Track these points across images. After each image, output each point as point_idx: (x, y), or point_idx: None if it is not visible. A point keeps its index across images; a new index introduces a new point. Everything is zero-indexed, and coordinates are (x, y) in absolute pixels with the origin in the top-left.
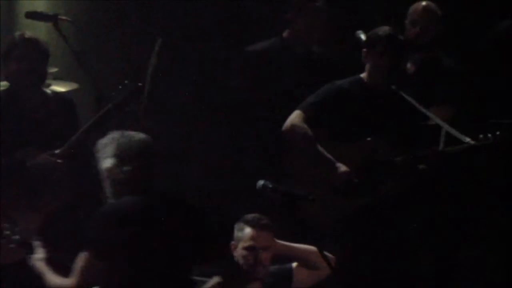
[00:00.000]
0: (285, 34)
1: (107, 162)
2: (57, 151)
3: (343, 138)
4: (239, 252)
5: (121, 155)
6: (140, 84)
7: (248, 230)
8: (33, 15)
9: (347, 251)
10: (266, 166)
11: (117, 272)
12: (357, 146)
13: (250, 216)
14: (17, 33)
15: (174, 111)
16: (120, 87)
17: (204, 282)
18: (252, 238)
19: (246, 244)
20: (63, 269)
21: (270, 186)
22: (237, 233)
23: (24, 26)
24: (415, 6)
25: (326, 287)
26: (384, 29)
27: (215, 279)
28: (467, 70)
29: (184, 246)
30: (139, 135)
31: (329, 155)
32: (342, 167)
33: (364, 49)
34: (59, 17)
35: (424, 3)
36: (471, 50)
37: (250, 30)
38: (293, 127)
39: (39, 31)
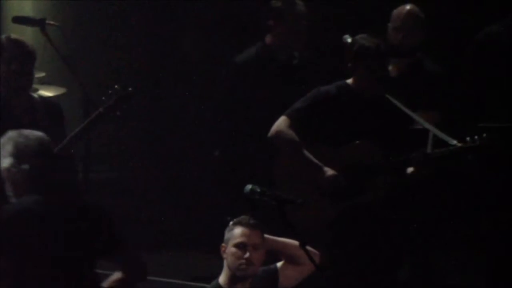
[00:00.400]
0: (267, 40)
1: (5, 162)
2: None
3: (331, 143)
4: (229, 251)
5: (18, 155)
6: (130, 89)
7: (238, 229)
8: (20, 20)
9: (334, 254)
10: (257, 171)
11: (19, 271)
12: (345, 150)
13: (239, 217)
14: (3, 36)
15: (166, 115)
16: (110, 91)
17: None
18: (243, 235)
19: (236, 241)
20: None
21: (258, 190)
22: (226, 235)
23: (10, 30)
24: (399, 11)
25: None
26: (370, 41)
27: (117, 275)
28: (451, 74)
29: (83, 243)
30: (37, 134)
31: (315, 160)
32: (329, 171)
33: (350, 63)
34: (47, 21)
35: (407, 7)
36: (458, 53)
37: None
38: (278, 133)
39: (26, 35)
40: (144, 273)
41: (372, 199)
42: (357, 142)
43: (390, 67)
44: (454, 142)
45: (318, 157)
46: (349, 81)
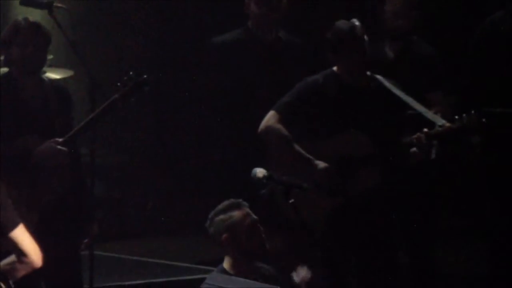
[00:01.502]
0: (249, 24)
1: None
2: (60, 139)
3: (322, 135)
4: (240, 237)
5: None
6: (145, 75)
7: (241, 211)
8: (28, 2)
9: (330, 248)
10: (249, 160)
11: None
12: (336, 141)
13: (225, 204)
14: (20, 18)
15: (173, 101)
16: (125, 78)
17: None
18: (249, 213)
19: (248, 221)
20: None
21: (266, 174)
22: (225, 223)
23: (17, 13)
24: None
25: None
26: (345, 25)
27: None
28: (448, 57)
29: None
30: None
31: (306, 154)
32: (321, 164)
33: (329, 50)
34: (54, 4)
35: None
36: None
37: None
38: (268, 128)
39: (32, 17)
40: (38, 259)
41: (364, 189)
42: (348, 132)
43: (387, 53)
44: (443, 122)
45: (310, 150)
46: (335, 68)
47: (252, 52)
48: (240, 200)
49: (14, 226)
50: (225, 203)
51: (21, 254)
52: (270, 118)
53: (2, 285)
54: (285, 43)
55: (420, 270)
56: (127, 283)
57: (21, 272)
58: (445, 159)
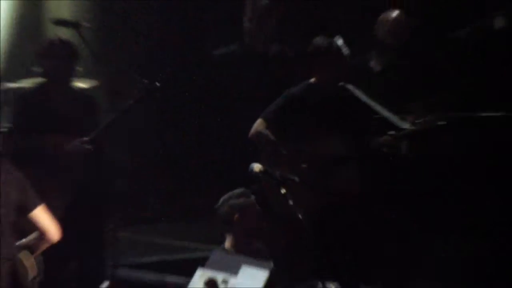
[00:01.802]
0: (245, 38)
1: None
2: (86, 138)
3: (303, 138)
4: (248, 218)
5: None
6: (157, 83)
7: (247, 199)
8: (59, 22)
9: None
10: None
11: None
12: (316, 144)
13: (237, 191)
14: (54, 36)
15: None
16: (140, 85)
17: None
18: (255, 202)
19: (254, 207)
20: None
21: (261, 169)
22: (238, 206)
23: (49, 31)
24: (385, 18)
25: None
26: (322, 41)
27: (35, 233)
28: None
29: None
30: None
31: (289, 156)
32: (303, 166)
33: (311, 62)
34: (81, 24)
35: (393, 15)
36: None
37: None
38: (257, 133)
39: (62, 34)
40: (56, 235)
41: (346, 188)
42: (325, 135)
43: (374, 64)
44: (407, 125)
45: (294, 151)
46: (312, 80)
47: (246, 62)
48: (249, 190)
49: (34, 206)
50: (237, 191)
51: (41, 231)
52: (258, 124)
53: (30, 257)
54: (274, 54)
55: (406, 261)
56: (144, 260)
57: (43, 246)
58: (413, 157)
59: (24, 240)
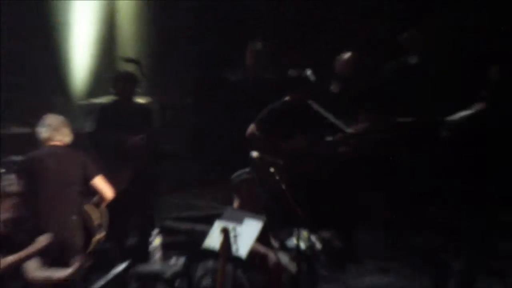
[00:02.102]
0: (246, 69)
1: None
2: (143, 136)
3: (281, 138)
4: (254, 188)
5: None
6: (188, 101)
7: (252, 175)
8: (126, 60)
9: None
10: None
11: None
12: (290, 141)
13: (245, 170)
14: (123, 69)
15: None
16: (176, 101)
17: None
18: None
19: (257, 182)
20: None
21: (258, 155)
22: (247, 179)
23: (120, 64)
24: (340, 58)
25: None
26: (302, 74)
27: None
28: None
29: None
30: None
31: (271, 147)
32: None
33: (287, 86)
34: (140, 61)
35: (345, 56)
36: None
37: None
38: (250, 134)
39: (128, 67)
40: (111, 196)
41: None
42: (295, 136)
43: (332, 87)
44: (349, 129)
45: (275, 146)
46: (287, 98)
47: (248, 85)
48: (251, 170)
49: (94, 176)
50: (244, 170)
51: (100, 193)
52: (251, 127)
53: (96, 210)
54: (265, 80)
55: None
56: (182, 215)
57: (103, 203)
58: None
59: (94, 199)
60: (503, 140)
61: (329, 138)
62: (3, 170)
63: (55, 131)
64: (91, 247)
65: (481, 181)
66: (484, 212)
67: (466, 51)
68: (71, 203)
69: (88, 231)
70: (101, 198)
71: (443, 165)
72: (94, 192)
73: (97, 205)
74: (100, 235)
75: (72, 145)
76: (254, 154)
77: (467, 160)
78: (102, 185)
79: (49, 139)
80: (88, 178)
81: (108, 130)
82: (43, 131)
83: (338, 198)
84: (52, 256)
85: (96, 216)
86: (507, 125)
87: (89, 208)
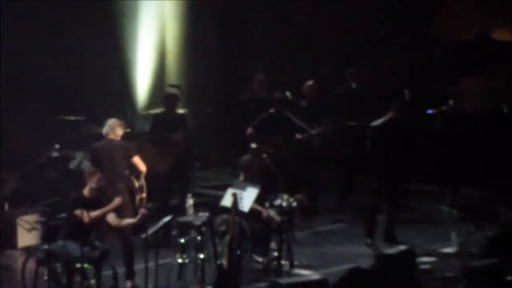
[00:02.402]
0: (253, 90)
1: None
2: (181, 134)
3: (268, 136)
4: (255, 166)
5: None
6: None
7: (254, 157)
8: (171, 85)
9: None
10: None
11: None
12: (273, 139)
13: (248, 155)
14: (169, 91)
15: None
16: (201, 114)
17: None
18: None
19: (257, 162)
20: None
21: (256, 146)
22: (250, 159)
23: (167, 88)
24: (305, 84)
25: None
26: (280, 94)
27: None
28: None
29: None
30: None
31: (262, 142)
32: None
33: (273, 102)
34: (180, 85)
35: (309, 83)
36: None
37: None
38: (249, 134)
39: (172, 90)
40: (145, 171)
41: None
42: (278, 135)
43: (303, 103)
44: (313, 130)
45: (264, 142)
46: (272, 110)
47: (255, 104)
48: (252, 155)
49: (133, 156)
50: (247, 156)
51: (138, 169)
52: (249, 130)
53: (136, 181)
54: (263, 99)
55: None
56: (205, 184)
57: (142, 175)
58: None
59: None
60: (404, 135)
61: (299, 136)
62: (56, 154)
63: (111, 129)
64: (136, 203)
65: (394, 162)
66: (397, 182)
67: (386, 80)
68: (120, 175)
69: (133, 193)
70: (138, 171)
71: (370, 153)
72: (135, 168)
73: (137, 176)
74: (141, 195)
75: (134, 140)
76: (253, 145)
77: (384, 150)
78: (138, 162)
79: (107, 134)
80: (129, 158)
81: (159, 131)
82: (104, 129)
83: (305, 173)
84: (122, 210)
85: (140, 185)
86: (407, 126)
87: (132, 178)
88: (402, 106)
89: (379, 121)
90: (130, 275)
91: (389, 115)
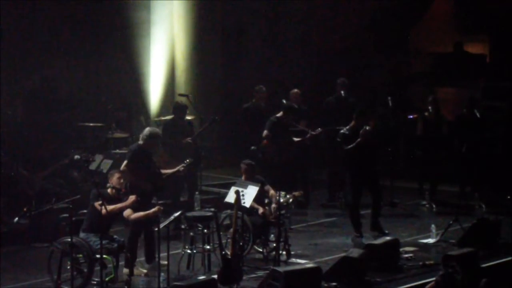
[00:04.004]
0: (254, 100)
1: None
2: (190, 139)
3: (277, 138)
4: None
5: None
6: (217, 117)
7: (248, 161)
8: (180, 94)
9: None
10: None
11: None
12: (281, 137)
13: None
14: (179, 100)
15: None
16: (211, 119)
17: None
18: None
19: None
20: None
21: (256, 148)
22: (245, 164)
23: (177, 97)
24: (292, 92)
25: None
26: (288, 103)
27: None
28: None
29: None
30: None
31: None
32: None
33: (282, 112)
34: (189, 95)
35: (295, 90)
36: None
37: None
38: (266, 134)
39: (181, 99)
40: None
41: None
42: (283, 136)
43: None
44: (310, 132)
45: (276, 140)
46: (279, 115)
47: (255, 112)
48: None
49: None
50: (247, 160)
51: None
52: (265, 132)
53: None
54: (263, 107)
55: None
56: (211, 183)
57: (167, 170)
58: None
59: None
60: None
61: (297, 139)
62: (77, 157)
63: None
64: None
65: (370, 162)
66: (375, 180)
67: (371, 89)
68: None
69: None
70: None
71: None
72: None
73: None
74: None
75: None
76: (263, 142)
77: (360, 151)
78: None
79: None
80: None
81: (170, 135)
82: (140, 137)
83: (301, 172)
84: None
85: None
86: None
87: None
88: (361, 113)
89: (345, 128)
90: (148, 260)
91: (352, 123)
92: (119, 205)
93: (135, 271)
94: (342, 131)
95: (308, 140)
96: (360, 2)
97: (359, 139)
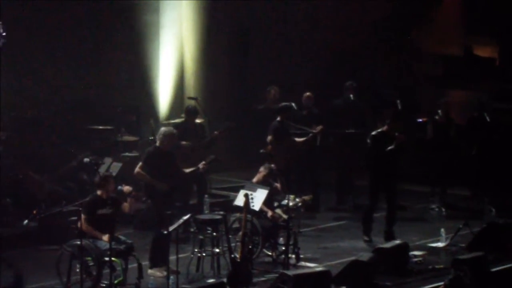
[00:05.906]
0: (266, 103)
1: None
2: (200, 142)
3: (279, 139)
4: (268, 171)
5: None
6: (233, 122)
7: (266, 166)
8: (190, 98)
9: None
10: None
11: None
12: (284, 140)
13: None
14: (189, 103)
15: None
16: (225, 122)
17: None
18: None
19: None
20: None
21: (264, 151)
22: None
23: (186, 100)
24: (305, 96)
25: None
26: (286, 104)
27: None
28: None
29: None
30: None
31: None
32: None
33: (279, 112)
34: (198, 98)
35: (307, 94)
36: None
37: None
38: (270, 140)
39: (190, 102)
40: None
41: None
42: (285, 137)
43: (305, 112)
44: (311, 133)
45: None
46: (278, 119)
47: (266, 112)
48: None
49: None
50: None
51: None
52: (269, 136)
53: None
54: (273, 109)
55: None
56: (222, 186)
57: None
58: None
59: None
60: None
61: (299, 140)
62: (87, 160)
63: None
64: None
65: (390, 167)
66: (393, 185)
67: (380, 92)
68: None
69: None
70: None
71: (369, 158)
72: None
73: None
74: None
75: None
76: (268, 147)
77: (381, 156)
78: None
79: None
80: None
81: (181, 138)
82: (157, 138)
83: (309, 175)
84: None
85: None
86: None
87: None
88: (395, 118)
89: (376, 131)
90: (153, 264)
91: (385, 127)
92: (94, 233)
93: (158, 272)
94: (373, 133)
95: (311, 139)
96: (368, 4)
97: (395, 143)
